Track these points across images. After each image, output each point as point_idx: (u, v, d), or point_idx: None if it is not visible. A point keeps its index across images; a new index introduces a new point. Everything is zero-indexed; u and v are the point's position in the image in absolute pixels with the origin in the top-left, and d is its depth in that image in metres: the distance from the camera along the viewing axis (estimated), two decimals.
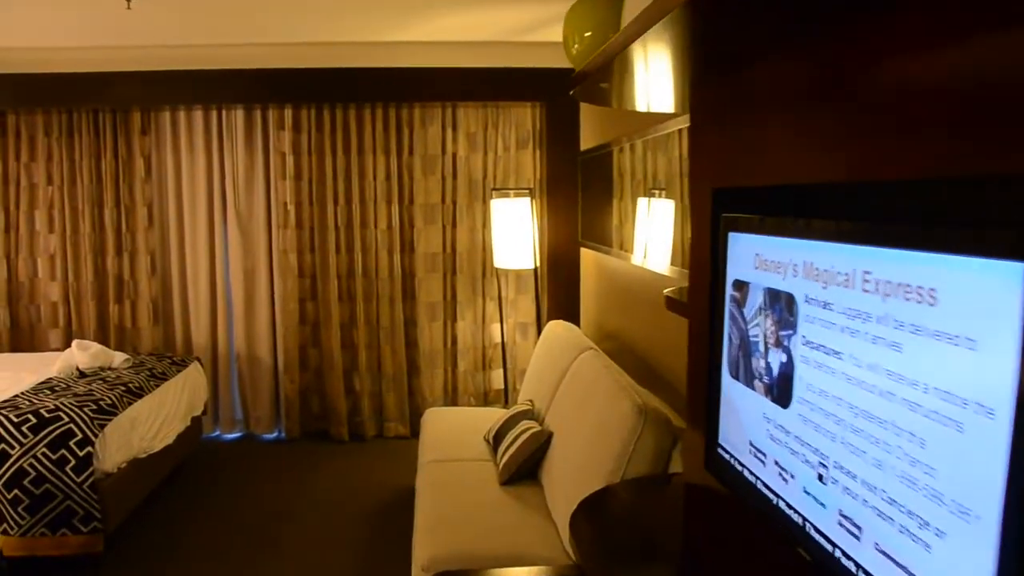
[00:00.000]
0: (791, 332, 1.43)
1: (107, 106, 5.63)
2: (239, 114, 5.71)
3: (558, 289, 5.39)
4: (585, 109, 5.19)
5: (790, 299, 1.43)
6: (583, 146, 5.19)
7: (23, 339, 5.90)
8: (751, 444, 1.61)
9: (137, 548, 4.06)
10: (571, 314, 5.20)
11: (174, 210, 5.85)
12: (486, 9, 4.49)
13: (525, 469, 3.49)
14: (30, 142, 5.75)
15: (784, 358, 1.46)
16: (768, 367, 1.52)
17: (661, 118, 3.44)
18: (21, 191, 5.78)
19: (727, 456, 1.74)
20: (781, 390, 1.47)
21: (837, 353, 1.27)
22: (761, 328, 1.56)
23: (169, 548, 4.08)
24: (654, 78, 1.85)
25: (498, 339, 5.69)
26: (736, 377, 1.68)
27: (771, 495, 1.52)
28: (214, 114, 5.73)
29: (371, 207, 5.69)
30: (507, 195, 5.32)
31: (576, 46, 2.08)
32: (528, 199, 5.15)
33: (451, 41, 5.21)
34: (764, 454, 1.55)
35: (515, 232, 5.12)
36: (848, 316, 1.23)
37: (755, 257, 1.59)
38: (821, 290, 1.32)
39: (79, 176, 5.75)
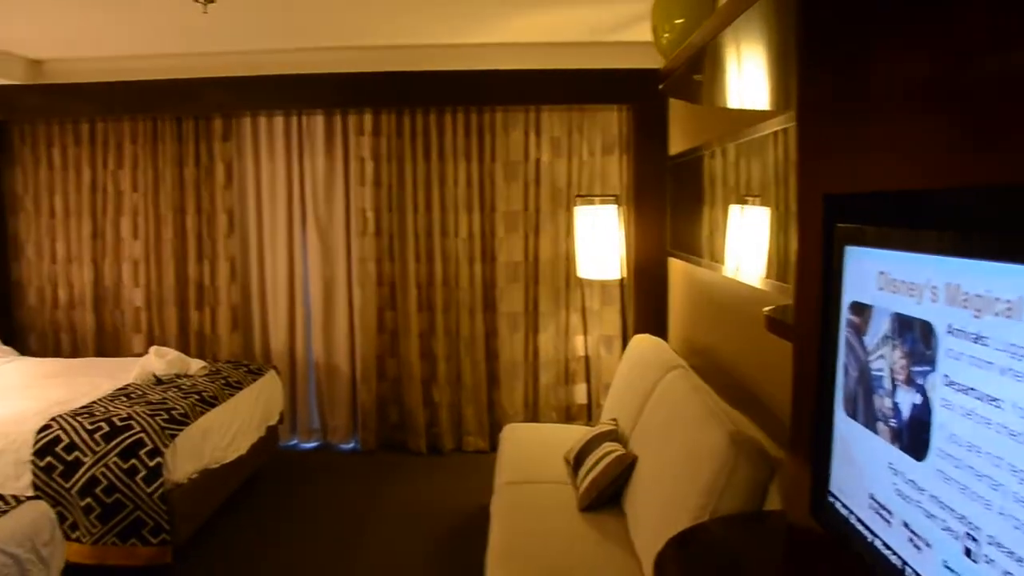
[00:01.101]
0: (928, 369, 1.18)
1: (189, 113, 5.63)
2: (319, 119, 5.63)
3: (645, 301, 5.13)
4: (674, 113, 4.93)
5: (927, 328, 1.18)
6: (672, 151, 4.92)
7: (108, 343, 5.95)
8: (872, 498, 1.36)
9: (206, 560, 3.98)
10: (659, 328, 4.94)
11: (254, 216, 5.81)
12: (570, 8, 4.30)
13: (607, 495, 3.26)
14: (117, 149, 5.80)
15: (918, 399, 1.21)
16: (896, 408, 1.27)
17: (755, 119, 3.18)
18: (108, 198, 5.83)
19: (840, 506, 1.49)
20: (914, 438, 1.22)
21: (994, 400, 1.01)
22: (887, 361, 1.31)
23: (238, 561, 3.99)
24: (753, 68, 1.61)
25: (581, 352, 5.46)
26: (853, 416, 1.43)
27: (897, 560, 1.27)
28: (294, 120, 5.67)
29: (451, 215, 5.54)
30: (592, 202, 5.09)
31: (666, 35, 1.86)
32: (614, 206, 4.92)
33: (534, 43, 5.03)
34: (890, 512, 1.30)
35: (600, 241, 4.90)
36: (1012, 355, 0.98)
37: (879, 276, 1.34)
38: (972, 320, 1.06)
39: (162, 183, 5.77)
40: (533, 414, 5.56)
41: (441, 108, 5.43)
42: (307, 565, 3.94)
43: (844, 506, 1.47)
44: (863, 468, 1.40)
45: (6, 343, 5.65)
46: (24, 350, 5.88)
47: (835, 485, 1.52)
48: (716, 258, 3.87)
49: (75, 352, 5.92)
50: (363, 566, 3.93)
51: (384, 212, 5.59)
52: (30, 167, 5.90)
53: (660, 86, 1.89)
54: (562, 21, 4.55)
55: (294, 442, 5.82)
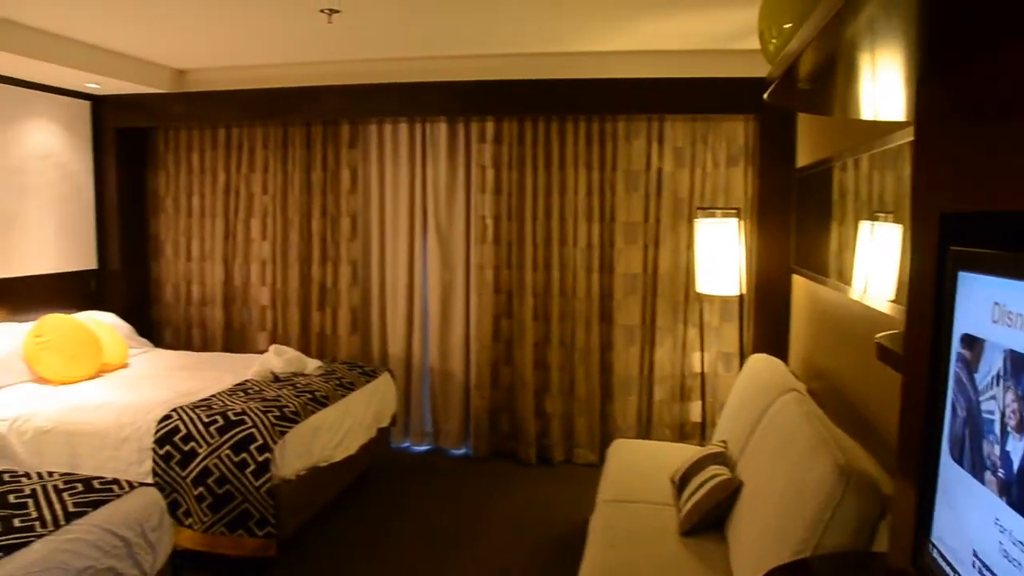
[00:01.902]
0: None
1: (317, 119, 5.79)
2: (442, 127, 5.68)
3: (765, 319, 4.92)
4: (803, 122, 4.70)
5: None
6: (799, 163, 4.70)
7: (235, 340, 6.18)
8: (976, 555, 1.21)
9: (310, 556, 4.05)
10: (778, 347, 4.72)
11: (377, 221, 5.92)
12: (694, 15, 4.17)
13: (710, 520, 3.12)
14: (250, 154, 6.03)
15: None
16: (1006, 458, 1.13)
17: (889, 128, 2.97)
18: (240, 200, 6.08)
19: (940, 558, 1.34)
20: None
21: None
22: (998, 403, 1.16)
23: (341, 559, 4.05)
24: (868, 74, 1.48)
25: (698, 369, 5.29)
26: (959, 461, 1.29)
27: None
28: (418, 127, 5.74)
29: (570, 223, 5.48)
30: (713, 215, 4.92)
31: (773, 41, 1.74)
32: (735, 220, 4.74)
33: (657, 50, 4.92)
34: (994, 575, 1.15)
35: (720, 255, 4.73)
36: None
37: (994, 307, 1.20)
38: None
39: (290, 187, 5.96)
40: (646, 430, 5.43)
41: (563, 116, 5.39)
42: (406, 567, 3.96)
43: (944, 558, 1.32)
44: (967, 520, 1.25)
45: (143, 336, 5.95)
46: (159, 343, 6.19)
47: (937, 534, 1.37)
48: (843, 277, 3.65)
49: (205, 347, 6.18)
50: (461, 572, 3.92)
51: (504, 220, 5.58)
52: (172, 170, 6.22)
53: (765, 96, 1.77)
54: (688, 28, 4.42)
55: (406, 444, 5.88)
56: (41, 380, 4.70)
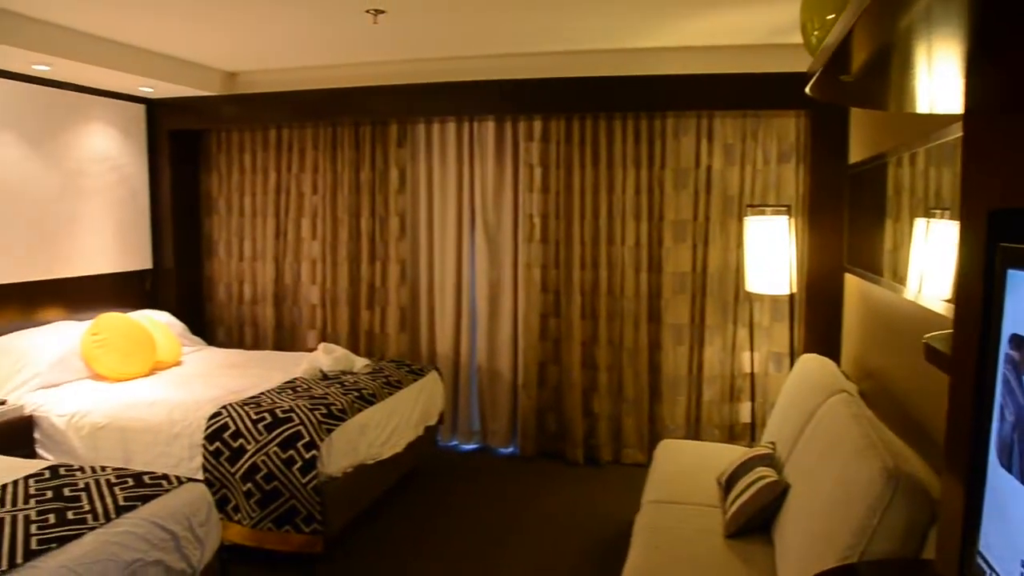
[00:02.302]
0: None
1: (366, 119, 5.83)
2: (490, 126, 5.69)
3: (817, 319, 4.81)
4: (856, 117, 4.59)
5: None
6: (852, 159, 4.60)
7: (285, 338, 6.27)
8: None
9: (356, 553, 4.09)
10: (830, 348, 4.61)
11: (425, 221, 5.94)
12: (742, 9, 4.10)
13: (755, 522, 3.06)
14: (300, 154, 6.11)
15: None
16: None
17: (946, 121, 2.88)
18: (291, 200, 6.16)
19: (988, 569, 1.29)
20: None
21: None
22: None
23: (386, 556, 4.07)
24: (921, 65, 1.42)
25: (748, 369, 5.21)
26: (1007, 468, 1.24)
27: None
28: (466, 126, 5.76)
29: (618, 222, 5.44)
30: (763, 212, 4.84)
31: (816, 33, 1.70)
32: (786, 217, 4.65)
33: (706, 46, 4.85)
34: None
35: (771, 254, 4.65)
36: None
37: None
38: None
39: (340, 187, 6.01)
40: (695, 430, 5.36)
41: (611, 114, 5.35)
42: (451, 565, 3.97)
43: (992, 569, 1.28)
44: (1016, 530, 1.21)
45: (196, 334, 6.06)
46: (212, 341, 6.30)
47: (984, 543, 1.32)
48: (897, 276, 3.56)
49: (256, 345, 6.27)
50: (506, 571, 3.92)
51: (551, 218, 5.56)
52: (224, 171, 6.33)
53: (806, 90, 1.72)
54: (737, 23, 4.36)
55: (454, 443, 5.90)
56: (97, 377, 4.81)
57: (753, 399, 5.07)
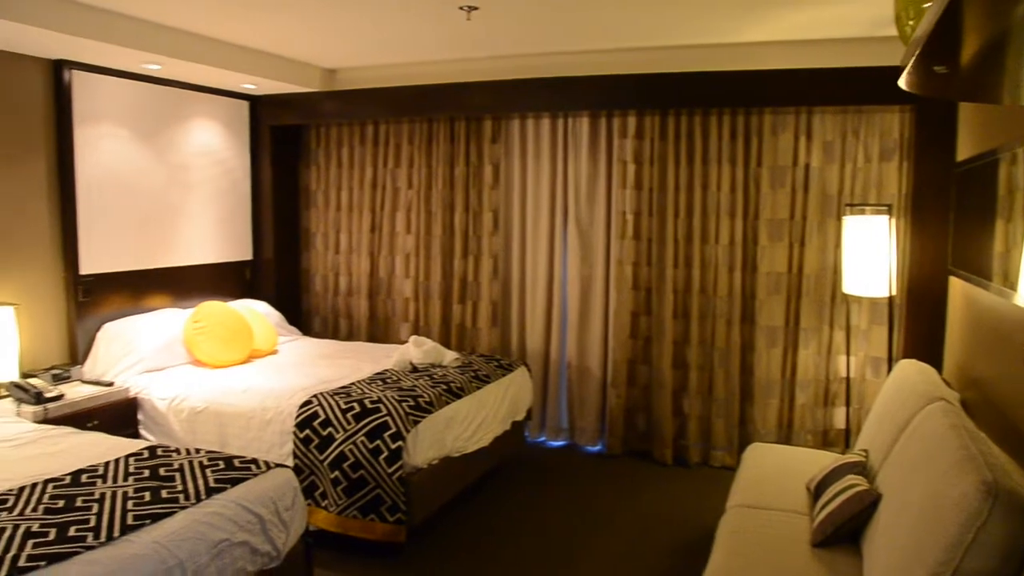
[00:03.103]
0: None
1: (462, 115, 5.88)
2: (584, 122, 5.66)
3: (918, 323, 4.61)
4: (965, 111, 4.38)
5: None
6: (960, 156, 4.38)
7: (378, 330, 6.38)
8: None
9: (438, 544, 4.13)
10: (931, 353, 4.40)
11: (518, 216, 5.97)
12: (842, 1, 3.96)
13: (843, 532, 2.96)
14: (396, 149, 6.22)
15: None
16: None
17: None
18: (386, 194, 6.27)
19: None
20: None
21: None
22: None
23: (468, 548, 4.11)
24: (996, 53, 1.35)
25: (844, 373, 5.04)
26: None
27: None
28: (560, 122, 5.75)
29: (712, 220, 5.34)
30: (863, 212, 4.67)
31: (911, 23, 1.62)
32: (886, 217, 4.47)
33: (805, 40, 4.73)
34: None
35: (870, 254, 4.49)
36: None
37: None
38: None
39: (435, 181, 6.09)
40: (786, 435, 5.23)
41: (706, 110, 5.25)
42: (532, 561, 3.97)
43: None
44: None
45: (293, 324, 6.23)
46: (308, 331, 6.48)
47: None
48: (1008, 281, 3.38)
49: (350, 336, 6.42)
50: (586, 570, 3.90)
51: (644, 215, 5.51)
52: (323, 165, 6.50)
53: (899, 83, 1.65)
54: (837, 15, 4.22)
55: (542, 439, 5.91)
56: (197, 363, 5.00)
57: (848, 405, 4.91)
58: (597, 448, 5.74)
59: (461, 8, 4.14)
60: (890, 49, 4.34)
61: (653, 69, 5.12)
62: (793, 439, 5.19)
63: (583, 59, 5.29)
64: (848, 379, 4.93)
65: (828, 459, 3.60)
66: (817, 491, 3.29)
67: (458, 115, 5.89)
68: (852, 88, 4.72)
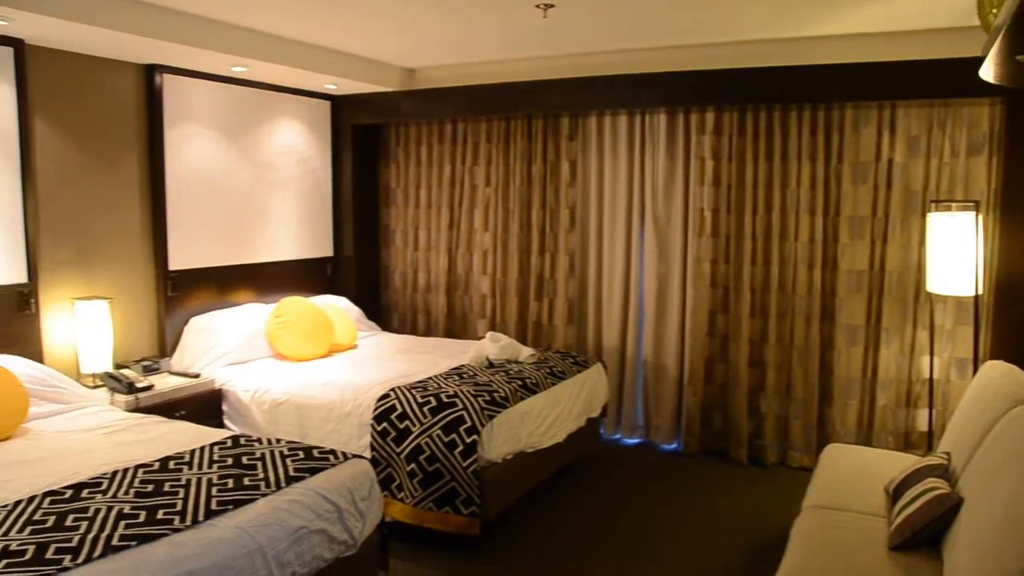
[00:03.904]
0: None
1: (539, 113, 5.92)
2: (662, 118, 5.64)
3: (1005, 323, 4.45)
4: None
5: None
6: None
7: (456, 326, 6.47)
8: None
9: (512, 538, 4.17)
10: (1019, 354, 4.22)
11: (595, 213, 5.97)
12: None
13: (923, 536, 2.89)
14: (474, 148, 6.29)
15: None
16: None
17: None
18: (464, 192, 6.35)
19: None
20: None
21: None
22: None
23: (541, 543, 4.14)
24: None
25: (928, 374, 4.89)
26: None
27: None
28: (637, 119, 5.73)
29: (792, 217, 5.26)
30: (949, 208, 4.54)
31: (994, 11, 1.58)
32: (973, 214, 4.33)
33: (888, 32, 4.61)
34: None
35: (956, 252, 4.36)
36: None
37: None
38: None
39: (512, 179, 6.14)
40: (866, 436, 5.11)
41: (786, 106, 5.17)
42: (605, 558, 3.98)
43: None
44: None
45: (372, 319, 6.36)
46: (386, 327, 6.61)
47: None
48: None
49: (428, 332, 6.52)
50: (657, 568, 3.89)
51: (722, 212, 5.46)
52: (402, 164, 6.62)
53: (980, 74, 1.61)
54: (922, 6, 4.11)
55: (617, 436, 5.91)
56: (279, 356, 5.16)
57: (931, 406, 4.77)
58: (673, 446, 5.71)
59: (538, 6, 4.16)
60: (978, 40, 4.23)
61: (732, 64, 5.06)
62: (873, 440, 5.07)
63: (660, 55, 5.26)
64: (932, 380, 4.79)
65: (908, 461, 3.52)
66: (896, 493, 3.22)
67: (535, 113, 5.92)
68: (938, 81, 4.59)
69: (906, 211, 4.98)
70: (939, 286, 4.48)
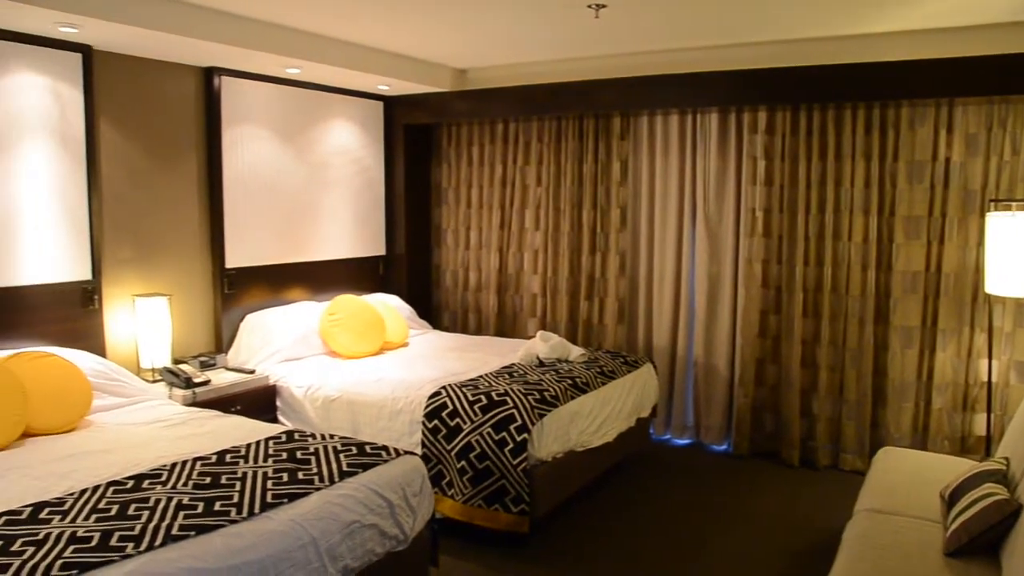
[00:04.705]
0: None
1: (590, 113, 5.92)
2: (713, 117, 5.61)
3: None
4: None
5: None
6: None
7: (506, 325, 6.51)
8: None
9: (560, 537, 4.19)
10: None
11: (645, 213, 5.97)
12: None
13: (980, 543, 2.84)
14: (525, 147, 6.32)
15: None
16: None
17: None
18: (515, 191, 6.39)
19: None
20: None
21: None
22: None
23: (589, 542, 4.15)
24: None
25: (986, 378, 4.80)
26: None
27: None
28: (689, 118, 5.71)
29: (845, 217, 5.19)
30: (1009, 208, 4.44)
31: None
32: None
33: (944, 28, 4.52)
34: None
35: (1016, 252, 4.26)
36: None
37: None
38: None
39: (563, 178, 6.16)
40: (921, 440, 5.03)
41: (840, 104, 5.11)
42: (653, 558, 3.98)
43: None
44: None
45: (423, 318, 6.42)
46: (437, 325, 6.68)
47: None
48: None
49: (478, 330, 6.57)
50: (705, 570, 3.88)
51: (774, 212, 5.42)
52: (454, 163, 6.68)
53: None
54: (976, 1, 4.03)
55: (667, 436, 5.90)
56: (332, 354, 5.24)
57: (990, 410, 4.67)
58: (723, 447, 5.68)
59: (589, 6, 4.17)
60: None
61: (784, 63, 5.01)
62: (928, 444, 4.98)
63: (712, 54, 5.23)
64: (990, 383, 4.69)
65: (965, 466, 3.46)
66: (952, 499, 3.17)
67: (587, 113, 5.93)
68: (999, 77, 4.48)
69: (964, 211, 4.89)
70: (998, 287, 4.39)
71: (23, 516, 2.56)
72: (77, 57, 4.29)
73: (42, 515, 2.57)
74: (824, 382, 5.28)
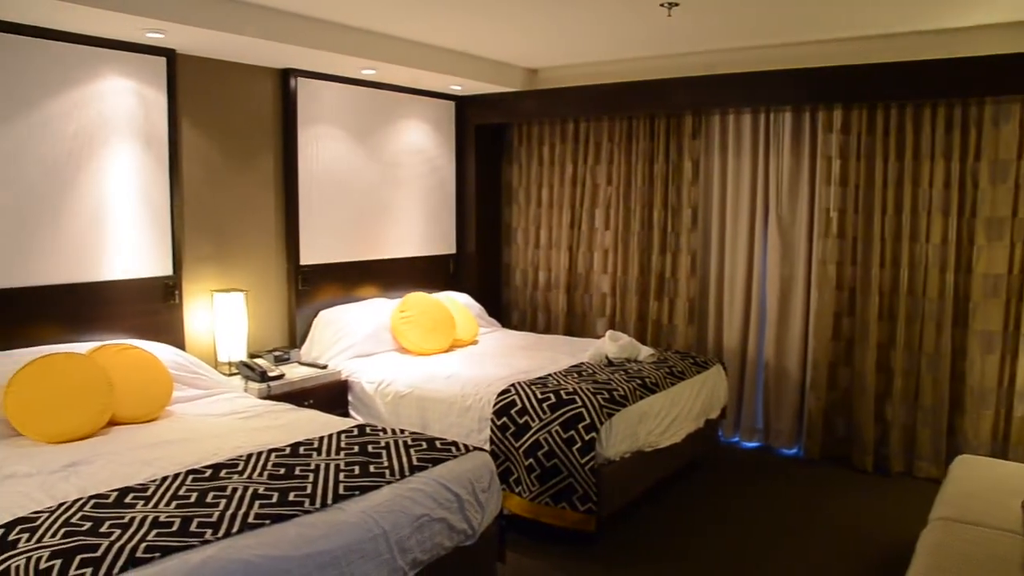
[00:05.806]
0: None
1: (662, 112, 5.89)
2: (787, 116, 5.53)
3: None
4: None
5: None
6: None
7: (575, 324, 6.51)
8: None
9: (626, 537, 4.17)
10: None
11: (717, 213, 5.92)
12: None
13: None
14: (596, 147, 6.32)
15: None
16: None
17: None
18: (585, 191, 6.39)
19: None
20: None
21: None
22: None
23: (656, 543, 4.13)
24: None
25: None
26: None
27: None
28: (762, 117, 5.64)
29: (923, 218, 5.07)
30: None
31: None
32: None
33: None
34: None
35: None
36: None
37: None
38: None
39: (634, 178, 6.14)
40: (1002, 448, 4.88)
41: (918, 102, 4.98)
42: (719, 562, 3.94)
43: None
44: None
45: (493, 316, 6.47)
46: (506, 323, 6.72)
47: None
48: None
49: (547, 329, 6.60)
50: (774, 575, 3.83)
51: (849, 213, 5.32)
52: (524, 163, 6.70)
53: None
54: None
55: (736, 439, 5.84)
56: (402, 350, 5.32)
57: None
58: (793, 451, 5.60)
59: (662, 5, 4.17)
60: None
61: (860, 60, 4.92)
62: (1009, 454, 4.83)
63: (785, 52, 5.17)
64: None
65: None
66: None
67: (658, 112, 5.90)
68: None
69: None
70: None
71: (110, 500, 2.67)
72: (162, 61, 4.45)
73: (127, 499, 2.68)
74: (899, 387, 5.16)
